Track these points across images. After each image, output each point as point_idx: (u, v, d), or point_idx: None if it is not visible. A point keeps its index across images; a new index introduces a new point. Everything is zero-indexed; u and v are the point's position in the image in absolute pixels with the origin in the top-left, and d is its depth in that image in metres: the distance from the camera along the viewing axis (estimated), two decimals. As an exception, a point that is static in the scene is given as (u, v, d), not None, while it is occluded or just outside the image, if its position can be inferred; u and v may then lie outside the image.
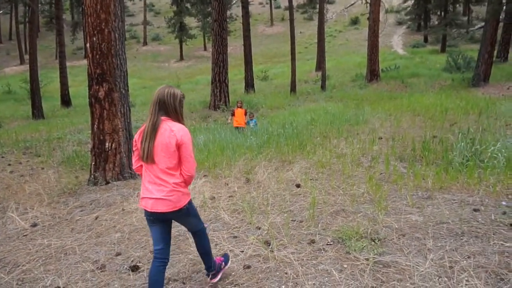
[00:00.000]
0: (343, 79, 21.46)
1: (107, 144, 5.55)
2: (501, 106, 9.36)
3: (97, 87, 5.54)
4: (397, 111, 10.46)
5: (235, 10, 39.97)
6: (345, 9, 50.43)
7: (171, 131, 2.25)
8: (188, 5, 38.41)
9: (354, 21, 45.48)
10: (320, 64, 21.84)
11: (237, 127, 10.07)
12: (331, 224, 3.48)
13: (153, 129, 2.25)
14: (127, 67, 5.94)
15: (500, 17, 16.51)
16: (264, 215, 3.83)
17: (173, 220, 2.44)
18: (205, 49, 42.96)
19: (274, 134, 8.18)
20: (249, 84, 19.98)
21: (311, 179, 4.90)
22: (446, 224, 3.19)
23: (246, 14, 19.93)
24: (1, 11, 50.50)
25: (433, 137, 6.88)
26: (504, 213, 3.28)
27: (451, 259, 2.64)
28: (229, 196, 4.54)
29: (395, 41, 37.77)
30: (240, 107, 10.56)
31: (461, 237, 2.94)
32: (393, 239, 3.05)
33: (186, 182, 2.35)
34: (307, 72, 26.38)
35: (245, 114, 10.42)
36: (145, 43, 47.01)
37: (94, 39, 5.51)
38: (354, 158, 5.72)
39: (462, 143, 5.05)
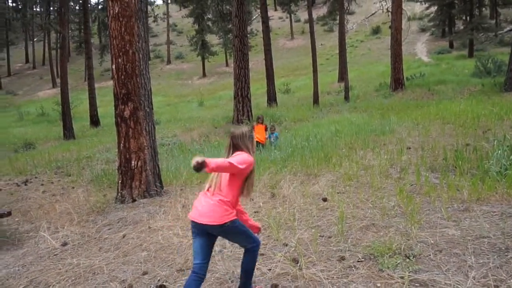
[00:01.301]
0: (367, 89, 21.14)
1: (133, 162, 5.62)
2: (538, 110, 8.89)
3: (123, 107, 5.66)
4: (425, 119, 10.13)
5: (256, 25, 40.49)
6: (366, 18, 50.11)
7: None
8: (209, 23, 39.30)
9: (376, 30, 45.05)
10: (343, 75, 21.66)
11: (257, 143, 9.84)
12: (361, 240, 3.34)
13: None
14: (151, 86, 6.06)
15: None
16: (291, 231, 3.73)
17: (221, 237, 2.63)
18: (226, 65, 43.60)
19: (298, 147, 8.09)
20: (271, 98, 20.01)
21: (338, 193, 4.76)
22: (487, 239, 2.99)
23: (266, 29, 20.12)
24: (35, 39, 53.43)
25: (466, 145, 6.59)
26: (551, 225, 3.05)
27: (495, 277, 2.45)
28: (255, 212, 4.46)
29: (419, 48, 37.04)
30: (261, 123, 10.09)
31: (506, 253, 2.74)
32: (429, 255, 2.87)
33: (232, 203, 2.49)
34: (329, 83, 26.20)
35: (266, 130, 9.96)
36: (168, 62, 48.28)
37: (119, 60, 5.66)
38: (382, 169, 5.54)
39: (499, 151, 4.79)
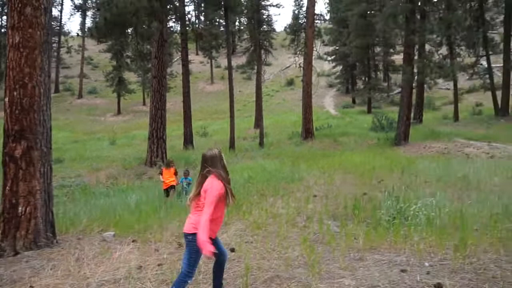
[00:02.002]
0: (280, 137, 22.27)
1: (20, 208, 4.94)
2: (419, 164, 10.23)
3: (14, 145, 5.05)
4: (330, 168, 10.93)
5: (176, 68, 40.69)
6: (281, 71, 53.95)
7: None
8: (128, 60, 38.43)
9: (290, 82, 48.58)
10: (258, 122, 22.62)
11: (167, 189, 9.09)
12: (264, 293, 3.32)
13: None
14: (51, 123, 5.55)
15: (413, 84, 18.74)
16: (195, 285, 3.56)
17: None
18: (144, 103, 42.51)
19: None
20: (187, 140, 19.87)
21: (246, 242, 4.75)
22: (377, 288, 3.20)
23: (186, 72, 20.36)
24: None
25: (363, 194, 7.20)
26: (428, 273, 3.40)
27: (382, 327, 2.60)
28: (159, 265, 4.19)
29: (327, 101, 40.75)
30: (172, 167, 9.43)
31: (391, 301, 2.95)
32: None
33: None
34: (245, 129, 27.04)
35: (175, 175, 9.35)
36: (80, 96, 45.39)
37: (15, 93, 5.12)
38: (290, 217, 5.72)
39: (388, 202, 5.32)
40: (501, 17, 24.30)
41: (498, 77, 26.23)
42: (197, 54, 58.95)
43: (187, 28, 22.04)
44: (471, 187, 7.51)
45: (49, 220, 5.21)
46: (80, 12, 50.80)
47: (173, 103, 40.13)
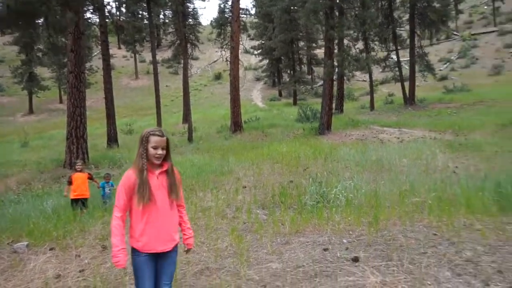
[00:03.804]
0: (209, 131, 22.16)
1: None
2: (341, 151, 10.93)
3: None
4: (259, 159, 11.16)
5: (96, 62, 38.13)
6: (209, 65, 53.52)
7: None
8: (40, 54, 35.02)
9: (218, 77, 48.47)
10: (187, 117, 22.20)
11: (77, 200, 6.96)
12: (194, 286, 3.31)
13: None
14: None
15: (334, 77, 19.91)
16: None
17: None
18: (61, 101, 39.24)
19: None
20: (112, 139, 18.82)
21: (175, 238, 4.67)
22: (302, 268, 3.38)
23: (107, 67, 19.19)
24: None
25: (290, 182, 7.50)
26: (347, 249, 3.68)
27: (306, 303, 2.76)
28: (80, 271, 3.93)
29: (255, 95, 41.46)
30: (80, 171, 7.29)
31: (315, 279, 3.14)
32: (260, 289, 3.05)
33: None
34: (174, 124, 26.42)
35: (91, 179, 7.45)
36: (-18, 95, 40.34)
37: None
38: (219, 210, 5.75)
39: (312, 187, 5.61)
40: (407, 16, 26.81)
41: (406, 69, 28.95)
42: (119, 48, 55.89)
43: (107, 20, 20.71)
44: (384, 169, 8.24)
45: None
46: (-24, 0, 44.85)
47: (95, 100, 37.67)
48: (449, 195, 5.24)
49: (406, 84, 25.60)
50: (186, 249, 2.65)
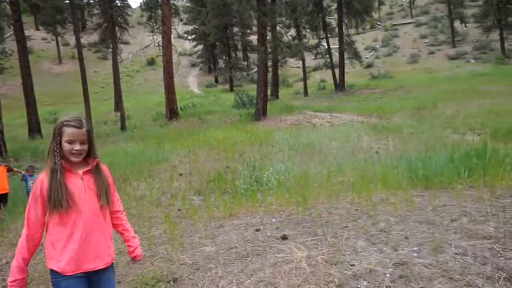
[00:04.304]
0: (144, 119, 21.42)
1: None
2: (276, 135, 11.30)
3: None
4: (195, 146, 11.12)
5: (10, 44, 34.45)
6: (141, 50, 51.11)
7: None
8: None
9: (151, 62, 46.60)
10: (118, 104, 21.18)
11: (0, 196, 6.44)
12: (127, 275, 3.28)
13: None
14: None
15: (269, 64, 20.26)
16: (47, 285, 3.26)
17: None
18: (-31, 88, 34.91)
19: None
20: (34, 129, 17.37)
21: (107, 229, 4.53)
22: (234, 249, 3.51)
23: (23, 50, 17.49)
24: None
25: (226, 167, 7.61)
26: (277, 228, 3.88)
27: (238, 281, 2.89)
28: None
29: (191, 81, 40.69)
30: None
31: (246, 258, 3.28)
32: (189, 275, 3.12)
33: None
34: (105, 112, 25.06)
35: (9, 171, 6.94)
36: None
37: None
38: (153, 198, 5.68)
39: (246, 171, 5.77)
40: (335, 5, 28.02)
41: (336, 57, 30.40)
42: (37, 29, 50.97)
43: (19, -3, 18.71)
44: (315, 152, 8.71)
45: None
46: None
47: (11, 86, 34.23)
48: (370, 173, 5.73)
49: (337, 70, 26.93)
50: (133, 261, 2.28)
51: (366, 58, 40.56)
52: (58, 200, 1.80)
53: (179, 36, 48.17)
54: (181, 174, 7.67)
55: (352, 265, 2.89)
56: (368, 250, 3.12)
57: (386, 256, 2.98)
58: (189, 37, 41.76)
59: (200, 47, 41.09)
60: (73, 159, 1.88)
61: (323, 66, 29.14)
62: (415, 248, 3.03)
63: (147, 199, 5.63)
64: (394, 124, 12.78)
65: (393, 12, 58.39)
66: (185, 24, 46.78)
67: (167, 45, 19.84)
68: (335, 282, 2.64)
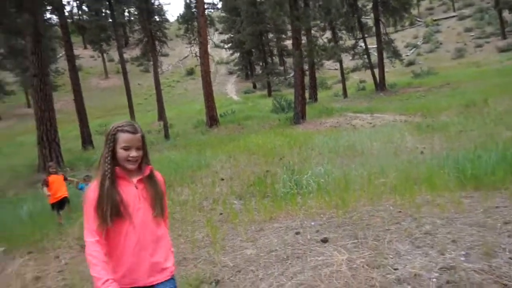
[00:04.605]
0: (186, 127, 22.07)
1: None
2: (315, 139, 11.20)
3: None
4: (236, 151, 11.29)
5: (62, 64, 37.02)
6: (180, 61, 52.89)
7: None
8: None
9: (190, 72, 48.04)
10: (161, 114, 22.01)
11: (59, 202, 6.73)
12: (173, 277, 3.42)
13: None
14: None
15: (305, 67, 20.18)
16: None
17: None
18: (28, 105, 37.92)
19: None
20: (86, 140, 18.50)
21: (153, 234, 4.74)
22: (274, 252, 3.54)
23: (73, 68, 18.74)
24: None
25: (265, 171, 7.67)
26: (317, 231, 3.86)
27: (278, 283, 2.92)
28: (59, 271, 3.97)
29: (229, 88, 41.41)
30: (55, 173, 7.17)
31: (286, 261, 3.31)
32: (231, 277, 3.19)
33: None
34: (149, 123, 26.10)
35: (65, 180, 7.26)
36: None
37: None
38: (196, 203, 5.85)
39: (285, 175, 5.79)
40: (371, 4, 27.36)
41: (375, 56, 29.63)
42: (85, 48, 54.31)
43: (68, 20, 20.14)
44: (356, 154, 8.53)
45: None
46: None
47: (64, 102, 36.67)
48: (414, 174, 5.53)
49: (376, 70, 26.22)
50: None
51: (407, 55, 39.14)
52: (104, 213, 1.69)
53: (216, 46, 49.27)
54: (222, 179, 7.83)
55: (395, 269, 2.82)
56: (412, 254, 3.03)
57: (432, 260, 2.88)
58: (226, 46, 42.60)
59: (237, 55, 41.77)
60: (129, 166, 1.78)
61: (362, 67, 28.48)
62: (463, 252, 2.90)
63: (190, 204, 5.81)
64: (440, 122, 12.20)
65: (433, 7, 55.95)
66: (220, 33, 47.81)
67: (204, 55, 20.39)
68: (377, 286, 2.59)
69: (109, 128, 1.81)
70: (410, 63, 37.00)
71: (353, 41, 27.41)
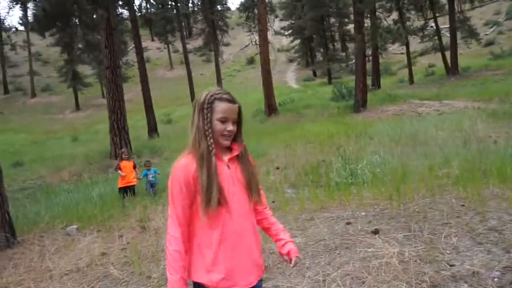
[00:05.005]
0: (245, 115, 21.83)
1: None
2: (375, 127, 10.74)
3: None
4: (292, 140, 11.25)
5: (132, 56, 39.47)
6: (241, 50, 53.55)
7: None
8: (79, 52, 36.80)
9: (250, 61, 48.44)
10: (221, 103, 22.58)
11: (126, 188, 7.18)
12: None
13: None
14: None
15: (368, 52, 19.27)
16: (157, 263, 3.72)
17: None
18: (103, 96, 41.14)
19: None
20: (152, 129, 19.63)
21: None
22: (323, 241, 3.49)
23: (141, 60, 19.87)
24: None
25: (321, 161, 7.54)
26: (369, 222, 3.73)
27: (324, 273, 2.89)
28: (122, 249, 4.31)
29: (289, 76, 41.07)
30: (127, 159, 7.54)
31: (335, 251, 3.25)
32: (278, 263, 3.22)
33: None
34: (210, 112, 26.95)
35: (134, 168, 7.52)
36: (33, 95, 43.24)
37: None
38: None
39: (339, 164, 5.64)
40: (444, -21, 25.15)
41: (447, 37, 27.33)
42: (152, 40, 57.29)
43: (136, 13, 21.35)
44: (419, 143, 8.02)
45: (6, 222, 5.16)
46: (19, 5, 47.38)
47: (134, 93, 39.12)
48: (483, 165, 5.07)
49: (448, 53, 24.23)
50: (292, 262, 1.60)
51: (486, 35, 35.50)
52: (210, 196, 1.40)
53: (276, 33, 49.02)
54: (277, 168, 7.86)
55: (451, 265, 2.64)
56: (472, 250, 2.80)
57: (495, 258, 2.64)
58: (286, 33, 42.17)
59: (297, 41, 41.17)
60: (225, 142, 1.51)
61: (432, 50, 26.48)
62: (533, 251, 2.62)
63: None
64: (521, 109, 10.99)
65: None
66: (281, 20, 47.35)
67: (263, 43, 20.41)
68: (428, 282, 2.44)
69: (202, 96, 1.51)
70: (489, 43, 33.56)
71: (422, 22, 25.53)
